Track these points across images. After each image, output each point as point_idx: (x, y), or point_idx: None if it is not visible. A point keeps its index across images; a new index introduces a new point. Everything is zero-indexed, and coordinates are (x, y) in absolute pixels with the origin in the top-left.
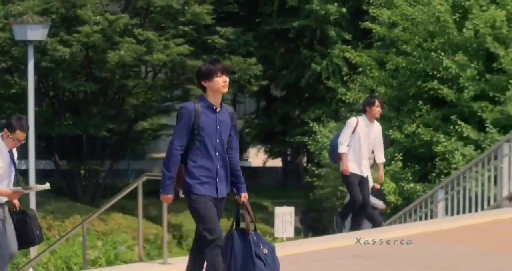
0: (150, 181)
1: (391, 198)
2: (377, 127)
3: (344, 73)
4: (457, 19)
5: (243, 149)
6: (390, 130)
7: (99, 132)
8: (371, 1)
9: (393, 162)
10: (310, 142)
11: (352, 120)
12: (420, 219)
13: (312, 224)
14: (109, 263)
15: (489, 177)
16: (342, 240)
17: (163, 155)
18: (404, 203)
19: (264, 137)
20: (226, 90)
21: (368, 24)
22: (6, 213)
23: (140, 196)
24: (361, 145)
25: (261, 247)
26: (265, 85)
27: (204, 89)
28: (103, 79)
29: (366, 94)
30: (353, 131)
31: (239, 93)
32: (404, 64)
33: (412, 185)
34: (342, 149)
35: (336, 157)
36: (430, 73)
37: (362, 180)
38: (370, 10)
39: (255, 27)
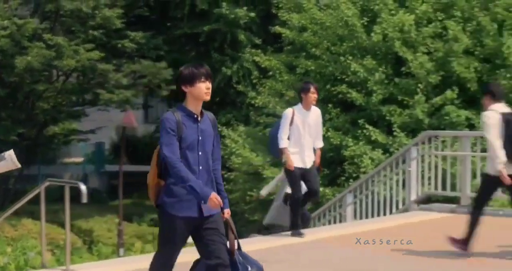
0: (62, 186)
1: None
2: (314, 114)
3: (253, 77)
4: (366, 23)
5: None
6: None
7: (9, 136)
8: (280, 5)
9: None
10: None
11: (288, 111)
12: (329, 223)
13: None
14: (19, 269)
15: (397, 181)
16: (253, 245)
17: (74, 159)
18: (314, 207)
19: None
20: (208, 97)
21: (278, 28)
22: None
23: (43, 202)
24: (301, 135)
25: (249, 269)
26: (174, 89)
27: (183, 95)
28: (12, 83)
29: (275, 98)
30: (291, 123)
31: (150, 98)
32: (313, 68)
33: (321, 189)
34: (282, 144)
35: (277, 151)
36: (339, 77)
37: (306, 172)
38: (279, 14)
39: (166, 31)
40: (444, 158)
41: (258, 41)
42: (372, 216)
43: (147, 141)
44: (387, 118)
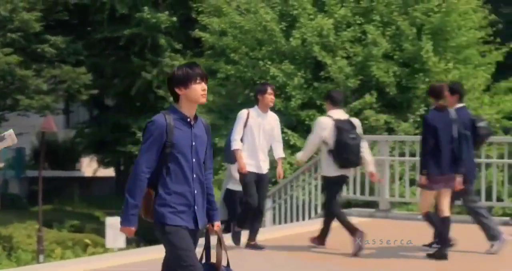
0: None
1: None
2: (272, 117)
3: None
4: (285, 28)
5: (75, 159)
6: (217, 139)
7: None
8: (200, 10)
9: (221, 171)
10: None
11: (242, 112)
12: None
13: (145, 234)
14: None
15: (316, 186)
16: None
17: None
18: None
19: (96, 147)
20: (205, 100)
21: (197, 32)
22: None
23: None
24: (255, 138)
25: None
26: (96, 94)
27: (176, 97)
28: None
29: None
30: (245, 125)
31: (70, 103)
32: (232, 72)
33: None
34: (235, 145)
35: (231, 157)
36: (258, 82)
37: (260, 179)
38: (199, 19)
39: (86, 36)
40: None
41: (178, 45)
42: (291, 221)
43: (68, 146)
44: (306, 122)
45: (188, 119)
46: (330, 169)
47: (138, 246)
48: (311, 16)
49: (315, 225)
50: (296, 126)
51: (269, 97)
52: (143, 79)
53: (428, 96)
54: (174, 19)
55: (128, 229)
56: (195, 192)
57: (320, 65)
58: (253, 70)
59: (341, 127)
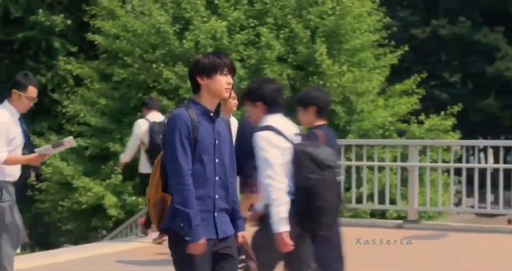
0: None
1: (112, 211)
2: (233, 123)
3: (66, 86)
4: (178, 31)
5: None
6: (111, 143)
7: None
8: (93, 13)
9: (113, 175)
10: None
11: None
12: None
13: (40, 239)
14: None
15: None
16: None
17: None
18: (126, 217)
19: None
20: (227, 95)
21: (90, 35)
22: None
23: None
24: None
25: None
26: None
27: (196, 88)
28: None
29: (87, 107)
30: None
31: None
32: (125, 76)
33: (133, 198)
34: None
35: None
36: (152, 85)
37: None
38: (91, 22)
39: None
40: None
41: (74, 48)
42: None
43: None
44: None
45: (211, 114)
46: (146, 167)
47: (33, 251)
48: (205, 19)
49: None
50: None
51: (233, 101)
52: (38, 82)
53: None
54: (69, 22)
55: (199, 244)
56: (216, 196)
57: None
58: (147, 73)
59: (153, 129)
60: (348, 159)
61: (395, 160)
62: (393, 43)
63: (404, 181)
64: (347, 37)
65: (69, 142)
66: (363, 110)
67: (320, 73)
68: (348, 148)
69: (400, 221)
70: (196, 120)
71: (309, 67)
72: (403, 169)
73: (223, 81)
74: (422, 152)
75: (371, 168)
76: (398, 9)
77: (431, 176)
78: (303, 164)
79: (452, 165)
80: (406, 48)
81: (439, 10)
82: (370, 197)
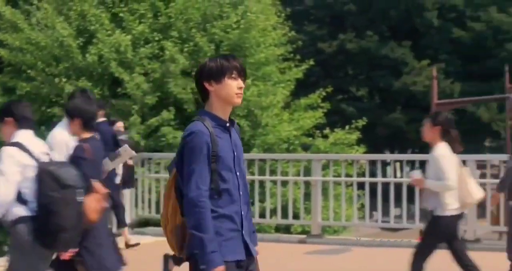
0: None
1: None
2: None
3: None
4: (82, 44)
5: None
6: None
7: None
8: None
9: None
10: None
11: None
12: None
13: None
14: None
15: None
16: None
17: None
18: None
19: None
20: (239, 101)
21: None
22: None
23: None
24: None
25: None
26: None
27: (204, 96)
28: None
29: None
30: None
31: None
32: (29, 89)
33: None
34: None
35: None
36: (54, 99)
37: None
38: None
39: None
40: (158, 181)
41: None
42: None
43: None
44: None
45: (227, 124)
46: None
47: None
48: (109, 32)
49: None
50: None
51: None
52: None
53: None
54: None
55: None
56: (242, 213)
57: (117, 81)
58: (50, 87)
59: None
60: (252, 173)
61: (299, 174)
62: (298, 57)
63: (308, 196)
64: (251, 51)
65: (126, 151)
66: (267, 124)
67: None
68: (251, 162)
69: (303, 236)
70: (214, 134)
71: None
72: (308, 184)
73: (232, 85)
74: (327, 166)
75: (275, 182)
76: (305, 23)
77: (336, 190)
78: (44, 182)
79: (355, 179)
80: (312, 62)
81: (346, 24)
82: (274, 211)
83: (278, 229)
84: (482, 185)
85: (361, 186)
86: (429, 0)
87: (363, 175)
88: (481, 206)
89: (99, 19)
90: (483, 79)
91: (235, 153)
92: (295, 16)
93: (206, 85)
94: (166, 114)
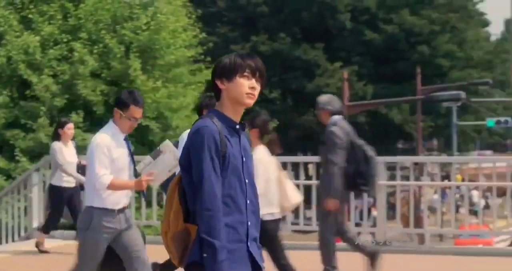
0: None
1: None
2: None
3: None
4: None
5: None
6: None
7: None
8: None
9: None
10: None
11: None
12: None
13: None
14: None
15: (19, 208)
16: None
17: None
18: None
19: None
20: (251, 102)
21: None
22: (124, 221)
23: None
24: None
25: None
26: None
27: (217, 95)
28: None
29: None
30: None
31: None
32: None
33: None
34: None
35: None
36: None
37: None
38: None
39: None
40: None
41: None
42: None
43: None
44: (11, 142)
45: (237, 126)
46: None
47: None
48: (18, 33)
49: (16, 248)
50: (1, 147)
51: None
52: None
53: None
54: None
55: None
56: (249, 223)
57: (26, 83)
58: None
59: None
60: None
61: None
62: (209, 59)
63: None
64: (161, 53)
65: (168, 147)
66: (178, 126)
67: (135, 88)
68: None
69: None
70: (223, 133)
71: (123, 82)
72: None
73: (244, 84)
74: None
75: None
76: (218, 25)
77: None
78: None
79: None
80: None
81: (258, 26)
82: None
83: None
84: (392, 187)
85: None
86: (342, 2)
87: None
88: (392, 208)
89: (8, 20)
90: (396, 81)
91: (244, 159)
92: (208, 18)
93: (218, 83)
94: (75, 116)
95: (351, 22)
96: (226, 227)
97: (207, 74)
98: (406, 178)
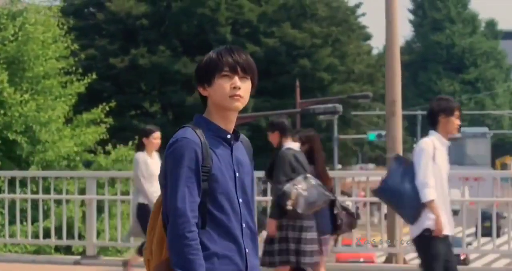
0: None
1: None
2: None
3: None
4: None
5: None
6: None
7: None
8: None
9: None
10: None
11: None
12: None
13: None
14: None
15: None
16: None
17: None
18: None
19: None
20: (238, 104)
21: None
22: None
23: None
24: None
25: None
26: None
27: (204, 102)
28: None
29: None
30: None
31: None
32: None
33: None
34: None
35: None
36: None
37: None
38: None
39: None
40: None
41: None
42: None
43: None
44: None
45: (228, 136)
46: None
47: None
48: None
49: None
50: None
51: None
52: None
53: None
54: None
55: None
56: (246, 250)
57: None
58: None
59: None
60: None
61: (83, 192)
62: (80, 70)
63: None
64: (30, 64)
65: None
66: (47, 140)
67: (1, 102)
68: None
69: (78, 257)
70: (208, 145)
71: None
72: (89, 202)
73: (224, 86)
74: (111, 183)
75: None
76: (97, 37)
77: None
78: None
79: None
80: (94, 76)
81: (138, 39)
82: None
83: (59, 249)
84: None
85: None
86: (223, 15)
87: None
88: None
89: None
90: (277, 94)
91: (237, 174)
92: (87, 30)
93: (200, 90)
94: None
95: (232, 35)
96: (216, 258)
97: (78, 87)
98: None
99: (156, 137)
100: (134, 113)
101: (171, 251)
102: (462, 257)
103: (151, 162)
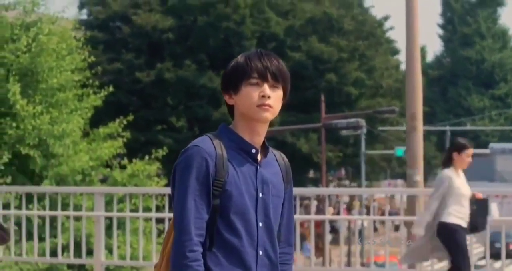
0: None
1: None
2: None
3: None
4: None
5: None
6: None
7: None
8: None
9: None
10: None
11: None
12: None
13: None
14: None
15: None
16: None
17: None
18: None
19: None
20: (267, 115)
21: None
22: None
23: None
24: None
25: None
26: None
27: (231, 112)
28: None
29: None
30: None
31: None
32: None
33: None
34: None
35: None
36: None
37: None
38: None
39: None
40: None
41: None
42: None
43: None
44: None
45: (253, 150)
46: None
47: None
48: None
49: None
50: None
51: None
52: None
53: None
54: None
55: None
56: None
57: None
58: None
59: None
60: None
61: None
62: (97, 83)
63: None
64: (44, 76)
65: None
66: (62, 154)
67: (14, 114)
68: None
69: None
70: (225, 157)
71: (1, 107)
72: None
73: (252, 94)
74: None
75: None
76: (123, 51)
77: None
78: None
79: (141, 214)
80: (111, 89)
81: (164, 53)
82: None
83: (71, 267)
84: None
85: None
86: (249, 28)
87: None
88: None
89: None
90: (303, 109)
91: (260, 194)
92: (113, 44)
93: (226, 98)
94: None
95: (258, 48)
96: None
97: (94, 100)
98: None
99: (469, 155)
100: (161, 128)
101: (172, 268)
102: None
103: (456, 181)
